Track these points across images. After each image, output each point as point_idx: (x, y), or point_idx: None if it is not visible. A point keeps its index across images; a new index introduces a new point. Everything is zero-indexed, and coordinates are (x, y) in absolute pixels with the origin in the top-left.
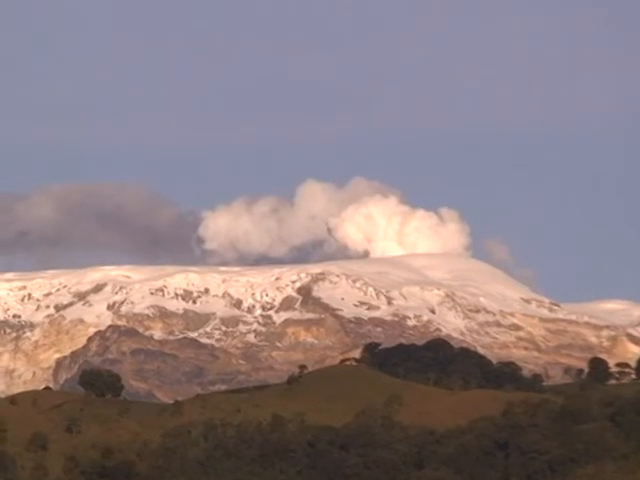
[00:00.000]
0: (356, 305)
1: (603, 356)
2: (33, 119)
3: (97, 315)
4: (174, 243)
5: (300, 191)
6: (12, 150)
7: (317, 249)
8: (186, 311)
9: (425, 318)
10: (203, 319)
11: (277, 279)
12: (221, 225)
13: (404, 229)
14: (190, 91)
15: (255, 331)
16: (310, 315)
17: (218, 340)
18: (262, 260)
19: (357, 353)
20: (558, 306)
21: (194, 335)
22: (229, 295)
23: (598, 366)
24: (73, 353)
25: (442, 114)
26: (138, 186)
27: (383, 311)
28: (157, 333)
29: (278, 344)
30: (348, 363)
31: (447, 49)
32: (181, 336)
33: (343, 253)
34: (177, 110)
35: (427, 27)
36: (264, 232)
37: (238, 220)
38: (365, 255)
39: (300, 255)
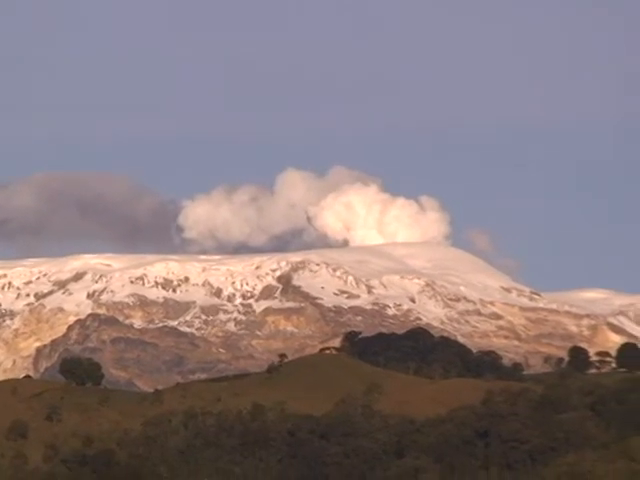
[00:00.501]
0: (336, 294)
1: (583, 345)
2: (17, 111)
3: (77, 303)
4: (154, 232)
5: (280, 180)
6: None
7: (297, 238)
8: (166, 300)
9: (405, 307)
10: (183, 308)
11: (257, 268)
12: (201, 214)
13: (384, 217)
14: (172, 83)
15: (235, 320)
16: (290, 304)
17: (198, 329)
18: (242, 249)
19: (337, 342)
20: (539, 295)
21: (174, 324)
22: (209, 284)
23: (578, 355)
24: (53, 341)
25: (423, 104)
26: (118, 175)
27: (363, 300)
28: (137, 322)
29: (258, 333)
30: (328, 352)
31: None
32: (161, 325)
33: (323, 242)
34: (158, 101)
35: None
36: (244, 221)
37: (218, 209)
38: (345, 244)
39: (280, 244)
